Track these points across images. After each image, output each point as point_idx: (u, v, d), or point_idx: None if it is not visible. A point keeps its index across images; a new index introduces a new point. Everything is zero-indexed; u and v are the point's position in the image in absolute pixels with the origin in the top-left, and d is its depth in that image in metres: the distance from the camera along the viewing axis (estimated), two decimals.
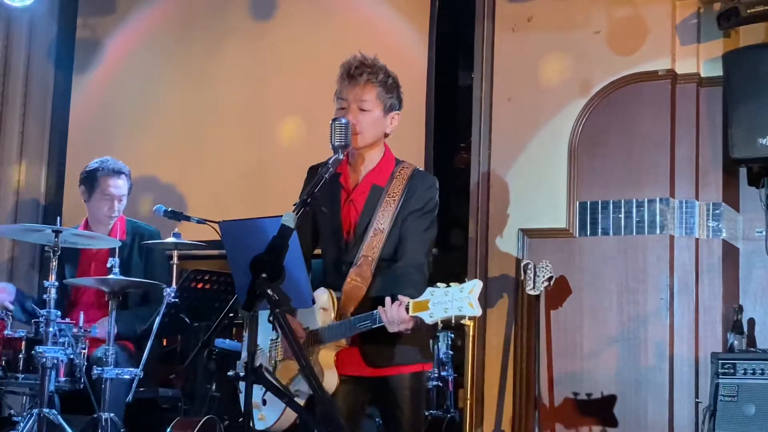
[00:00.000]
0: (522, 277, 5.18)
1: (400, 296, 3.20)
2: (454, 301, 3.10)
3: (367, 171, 3.55)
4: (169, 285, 4.95)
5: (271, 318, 2.90)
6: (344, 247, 3.50)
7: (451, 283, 3.14)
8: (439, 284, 3.15)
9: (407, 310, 3.16)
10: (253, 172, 6.31)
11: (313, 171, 3.59)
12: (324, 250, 3.58)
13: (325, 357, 3.37)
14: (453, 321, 3.14)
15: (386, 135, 3.59)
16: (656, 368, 5.05)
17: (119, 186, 5.29)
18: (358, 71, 3.49)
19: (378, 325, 3.23)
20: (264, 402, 3.41)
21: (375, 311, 3.24)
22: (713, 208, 5.14)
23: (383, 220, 3.46)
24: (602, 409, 5.10)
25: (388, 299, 3.21)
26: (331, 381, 3.36)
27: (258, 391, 3.36)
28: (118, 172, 5.30)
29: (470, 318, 3.14)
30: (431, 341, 5.45)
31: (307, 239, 3.52)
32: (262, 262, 2.92)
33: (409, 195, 3.49)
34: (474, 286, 3.10)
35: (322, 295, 3.43)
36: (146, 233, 5.35)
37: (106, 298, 4.71)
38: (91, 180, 5.31)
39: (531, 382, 5.20)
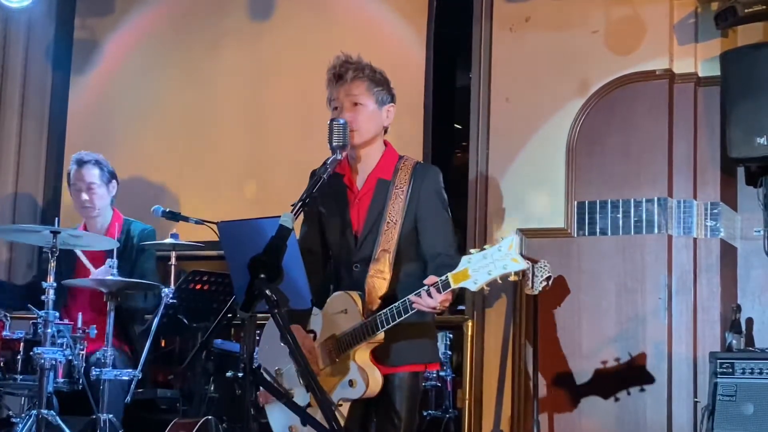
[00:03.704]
0: (520, 277, 5.17)
1: (430, 277, 3.21)
2: (496, 261, 3.08)
3: (371, 168, 3.55)
4: (164, 284, 4.94)
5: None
6: (354, 246, 3.50)
7: (484, 246, 3.14)
8: (471, 250, 3.15)
9: (447, 284, 3.16)
10: (252, 173, 6.30)
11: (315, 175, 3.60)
12: (333, 252, 3.57)
13: (362, 357, 3.35)
14: (499, 280, 3.12)
15: (386, 130, 3.60)
16: (655, 368, 5.05)
17: (84, 175, 5.27)
18: (343, 68, 3.51)
19: (411, 312, 3.24)
20: (305, 423, 3.35)
21: (399, 302, 3.25)
22: (711, 208, 5.14)
23: (394, 213, 3.46)
24: (601, 408, 5.10)
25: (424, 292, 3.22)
26: (375, 381, 3.33)
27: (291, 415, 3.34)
28: (81, 163, 5.30)
29: (516, 273, 3.10)
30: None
31: (316, 242, 3.55)
32: (260, 262, 2.92)
33: (416, 186, 3.49)
34: (512, 242, 3.08)
35: (341, 298, 3.41)
36: (137, 231, 5.31)
37: (104, 299, 4.70)
38: (68, 177, 5.37)
39: (529, 382, 5.20)
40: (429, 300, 3.20)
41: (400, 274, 3.45)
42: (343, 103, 3.50)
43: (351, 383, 3.33)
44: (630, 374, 5.08)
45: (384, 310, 3.29)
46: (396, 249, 3.44)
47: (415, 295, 3.22)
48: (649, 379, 5.04)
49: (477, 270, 3.11)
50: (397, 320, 3.27)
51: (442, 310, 3.32)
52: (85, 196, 5.28)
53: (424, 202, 3.48)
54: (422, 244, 3.48)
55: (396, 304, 3.27)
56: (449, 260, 3.33)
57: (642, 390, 5.03)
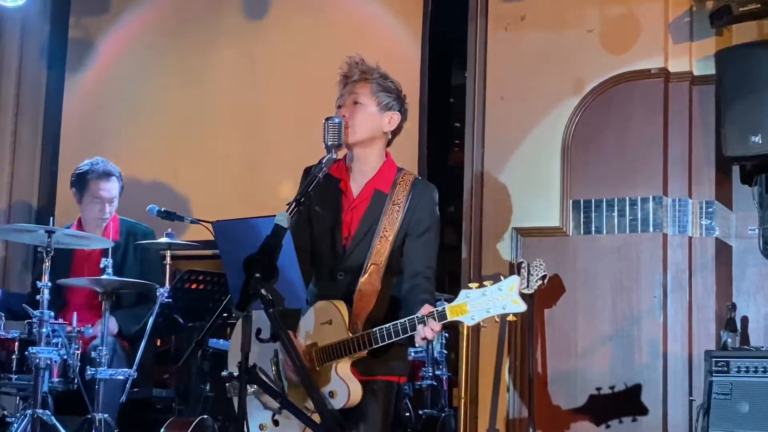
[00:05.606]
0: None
1: (426, 306, 3.21)
2: (496, 300, 3.11)
3: (369, 177, 3.53)
4: (163, 285, 4.94)
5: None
6: (341, 253, 3.47)
7: (485, 283, 3.15)
8: (471, 285, 3.16)
9: (444, 316, 3.17)
10: (247, 172, 6.30)
11: (309, 172, 3.58)
12: (317, 255, 3.53)
13: (344, 369, 3.33)
14: (497, 319, 3.15)
15: (389, 142, 3.58)
16: (650, 366, 5.05)
17: (109, 189, 5.24)
18: (349, 70, 3.53)
19: (403, 336, 3.23)
20: (276, 423, 3.36)
21: (391, 324, 3.23)
22: (706, 206, 5.14)
23: (389, 227, 3.44)
24: (597, 407, 5.11)
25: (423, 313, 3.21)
26: (356, 392, 3.31)
27: (265, 412, 3.34)
28: (108, 175, 5.25)
29: (515, 315, 3.15)
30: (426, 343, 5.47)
31: (304, 240, 3.51)
32: (255, 261, 2.91)
33: (413, 204, 3.47)
34: (513, 283, 3.11)
35: (326, 308, 3.38)
36: (140, 233, 5.33)
37: (99, 299, 4.69)
38: (81, 183, 5.28)
39: (525, 381, 5.20)
40: (428, 332, 3.18)
41: (388, 288, 3.45)
42: (345, 102, 3.51)
43: (331, 394, 3.30)
44: (625, 373, 5.08)
45: (375, 329, 3.26)
46: (386, 264, 3.43)
47: (409, 321, 3.21)
48: (645, 378, 5.04)
49: (475, 306, 3.13)
50: (387, 341, 3.25)
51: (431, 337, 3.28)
52: (108, 209, 5.25)
53: (417, 220, 3.47)
54: (404, 258, 3.47)
55: (387, 325, 3.25)
56: (426, 283, 3.40)
57: (637, 388, 5.04)
